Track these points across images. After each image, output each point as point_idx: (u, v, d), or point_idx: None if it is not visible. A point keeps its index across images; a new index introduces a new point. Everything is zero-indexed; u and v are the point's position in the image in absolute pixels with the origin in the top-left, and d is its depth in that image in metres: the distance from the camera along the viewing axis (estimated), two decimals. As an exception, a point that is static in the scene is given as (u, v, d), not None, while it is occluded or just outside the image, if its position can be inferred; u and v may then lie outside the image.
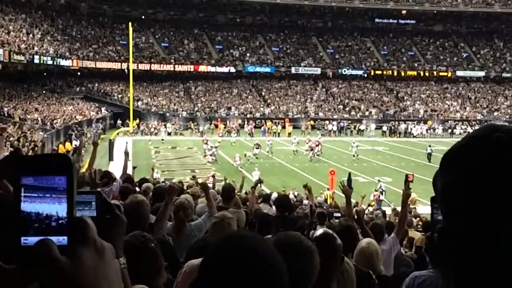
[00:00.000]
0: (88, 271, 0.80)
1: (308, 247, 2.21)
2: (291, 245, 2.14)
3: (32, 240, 0.85)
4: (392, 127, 57.45)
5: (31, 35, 53.77)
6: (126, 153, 9.96)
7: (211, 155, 36.73)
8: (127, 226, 1.47)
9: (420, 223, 12.82)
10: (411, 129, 56.99)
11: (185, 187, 13.60)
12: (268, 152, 39.23)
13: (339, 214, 13.48)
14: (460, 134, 56.17)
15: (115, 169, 16.06)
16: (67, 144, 37.32)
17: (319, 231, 3.47)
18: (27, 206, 0.86)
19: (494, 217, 0.83)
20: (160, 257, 3.03)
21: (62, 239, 0.84)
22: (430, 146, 38.80)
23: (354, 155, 38.40)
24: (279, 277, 1.35)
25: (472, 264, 0.86)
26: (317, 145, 39.55)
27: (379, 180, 26.95)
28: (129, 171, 11.01)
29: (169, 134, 50.88)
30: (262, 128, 53.71)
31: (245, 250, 1.36)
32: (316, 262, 2.18)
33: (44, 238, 0.83)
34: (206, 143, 38.97)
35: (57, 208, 0.86)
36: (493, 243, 0.83)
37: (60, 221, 0.86)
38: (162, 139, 46.77)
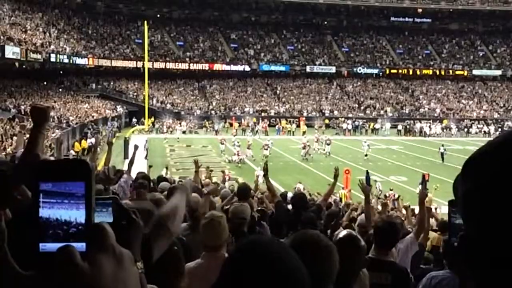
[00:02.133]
0: (107, 278, 0.79)
1: (327, 246, 2.19)
2: (310, 243, 2.13)
3: (50, 246, 0.84)
4: (408, 126, 57.15)
5: (47, 34, 54.18)
6: (136, 146, 9.96)
7: (238, 155, 35.48)
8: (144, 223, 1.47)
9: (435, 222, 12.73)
10: (426, 128, 56.62)
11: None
12: (269, 154, 36.85)
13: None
14: (476, 133, 55.79)
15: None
16: (83, 142, 37.58)
17: (343, 232, 3.47)
18: (45, 212, 0.85)
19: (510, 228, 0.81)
20: (182, 260, 3.02)
21: (81, 246, 0.84)
22: (443, 145, 38.57)
23: (366, 155, 38.21)
24: (299, 284, 1.35)
25: (494, 271, 0.84)
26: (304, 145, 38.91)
27: (375, 181, 26.67)
28: (145, 169, 11.06)
29: (183, 132, 50.98)
30: (277, 127, 53.68)
31: (264, 255, 1.35)
32: (335, 261, 2.17)
33: (66, 244, 0.82)
34: (222, 143, 38.87)
35: (75, 214, 0.85)
36: (505, 255, 0.81)
37: (78, 227, 0.85)
38: (178, 138, 46.87)
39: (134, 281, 0.85)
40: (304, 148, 37.98)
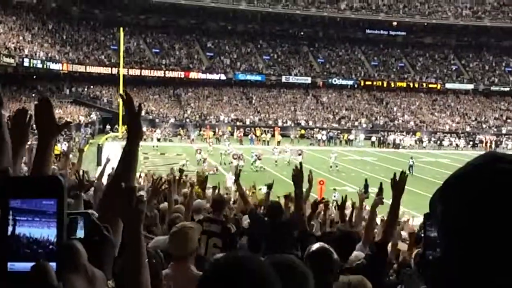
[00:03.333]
0: None
1: (303, 272, 2.17)
2: (285, 269, 2.10)
3: (19, 265, 0.80)
4: (381, 138, 57.60)
5: (21, 38, 53.49)
6: (108, 159, 9.90)
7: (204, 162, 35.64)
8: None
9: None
10: (399, 140, 57.14)
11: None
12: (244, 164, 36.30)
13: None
14: (448, 146, 56.53)
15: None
16: (55, 147, 37.08)
17: (316, 245, 3.45)
18: (15, 230, 0.81)
19: (499, 247, 0.81)
20: (161, 273, 2.99)
21: (52, 265, 0.80)
22: (411, 158, 39.12)
23: (331, 166, 38.38)
24: None
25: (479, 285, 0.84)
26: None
27: (335, 189, 26.92)
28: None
29: (158, 140, 50.69)
30: (249, 136, 53.42)
31: (242, 272, 1.33)
32: (311, 286, 2.16)
33: (42, 262, 0.78)
34: (199, 153, 38.63)
35: (46, 233, 0.81)
36: (493, 272, 0.82)
37: (49, 246, 0.81)
38: (155, 146, 46.48)
39: None
40: (259, 159, 37.91)
